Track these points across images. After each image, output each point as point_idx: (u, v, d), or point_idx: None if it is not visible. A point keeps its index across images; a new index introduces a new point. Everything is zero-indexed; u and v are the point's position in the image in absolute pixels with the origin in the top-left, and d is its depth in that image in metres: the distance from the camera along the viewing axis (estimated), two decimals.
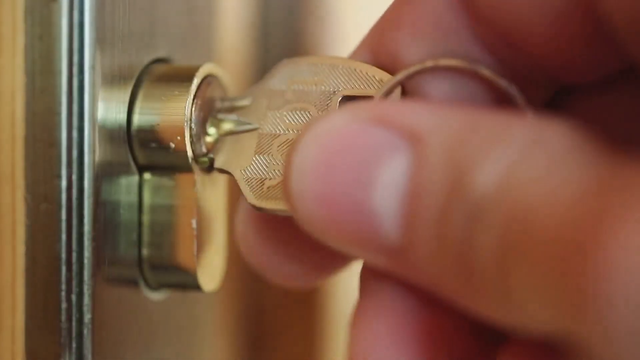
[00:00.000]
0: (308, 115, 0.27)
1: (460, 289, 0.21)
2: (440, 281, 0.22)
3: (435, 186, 0.21)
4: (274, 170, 0.27)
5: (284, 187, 0.23)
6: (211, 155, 0.28)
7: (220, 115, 0.28)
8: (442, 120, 0.22)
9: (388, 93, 0.26)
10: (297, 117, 0.27)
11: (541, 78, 0.25)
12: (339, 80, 0.27)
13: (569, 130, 0.21)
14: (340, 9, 0.51)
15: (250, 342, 0.50)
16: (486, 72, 0.24)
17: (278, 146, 0.27)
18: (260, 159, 0.27)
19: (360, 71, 0.26)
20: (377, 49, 0.26)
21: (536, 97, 0.25)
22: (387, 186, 0.22)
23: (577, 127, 0.21)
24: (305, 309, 0.52)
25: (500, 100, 0.25)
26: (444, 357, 0.24)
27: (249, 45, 0.47)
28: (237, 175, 0.27)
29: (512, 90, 0.25)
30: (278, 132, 0.27)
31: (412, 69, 0.25)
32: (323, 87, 0.27)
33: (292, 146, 0.23)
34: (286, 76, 0.27)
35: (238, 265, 0.48)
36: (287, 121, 0.27)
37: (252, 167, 0.27)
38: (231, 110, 0.28)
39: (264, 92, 0.28)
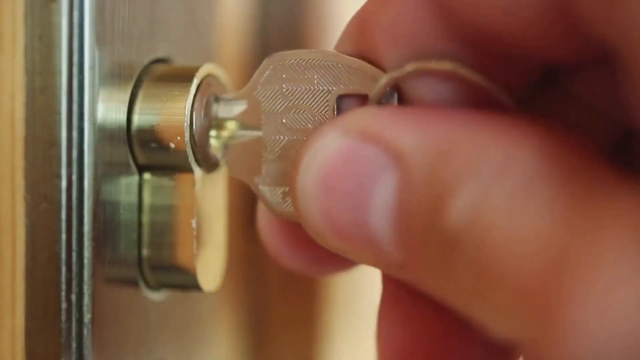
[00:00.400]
0: (307, 116, 0.27)
1: (445, 296, 0.23)
2: (442, 292, 0.23)
3: (419, 208, 0.22)
4: (283, 175, 0.27)
5: (294, 207, 0.25)
6: (217, 157, 0.28)
7: (221, 114, 0.28)
8: (423, 139, 0.23)
9: (379, 96, 0.26)
10: (298, 119, 0.27)
11: (522, 64, 0.25)
12: (330, 78, 0.27)
13: (539, 150, 0.22)
14: (340, 9, 0.51)
15: (250, 342, 0.50)
16: (467, 73, 0.25)
17: (285, 151, 0.27)
18: (271, 166, 0.27)
19: (350, 67, 0.26)
20: (360, 45, 0.26)
21: (524, 81, 0.26)
22: (380, 206, 0.23)
23: (548, 143, 0.22)
24: (306, 308, 0.52)
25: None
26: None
27: (249, 45, 0.47)
28: (252, 185, 0.28)
29: (494, 88, 0.25)
30: (282, 137, 0.27)
31: (395, 73, 0.25)
32: (316, 86, 0.27)
33: (293, 165, 0.24)
34: (276, 75, 0.27)
35: (238, 265, 0.48)
36: (288, 125, 0.27)
37: (264, 175, 0.27)
38: (230, 113, 0.28)
39: (257, 93, 0.27)
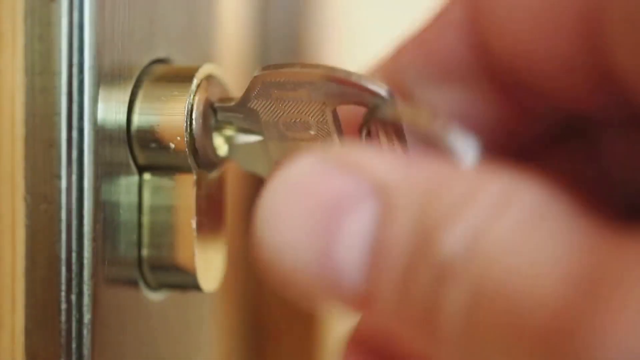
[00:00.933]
0: (306, 124, 0.27)
1: (423, 342, 0.21)
2: (403, 332, 0.21)
3: (401, 244, 0.21)
4: None
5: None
6: (218, 157, 0.28)
7: (220, 117, 0.28)
8: (412, 175, 0.21)
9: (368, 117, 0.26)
10: (297, 127, 0.27)
11: (547, 115, 0.25)
12: (321, 94, 0.27)
13: (540, 190, 0.20)
14: (340, 9, 0.51)
15: (250, 342, 0.50)
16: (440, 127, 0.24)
17: (289, 155, 0.27)
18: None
19: (339, 81, 0.26)
20: (391, 81, 0.26)
21: (541, 133, 0.25)
22: (352, 236, 0.21)
23: (549, 187, 0.21)
24: (305, 308, 0.52)
25: (508, 121, 0.25)
26: None
27: (249, 45, 0.47)
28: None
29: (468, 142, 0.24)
30: (284, 144, 0.27)
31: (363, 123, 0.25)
32: (308, 101, 0.27)
33: (261, 192, 0.22)
34: (267, 91, 0.27)
35: (238, 265, 0.48)
36: (289, 133, 0.27)
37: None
38: (228, 118, 0.28)
39: (251, 104, 0.27)
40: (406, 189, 0.21)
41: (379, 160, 0.22)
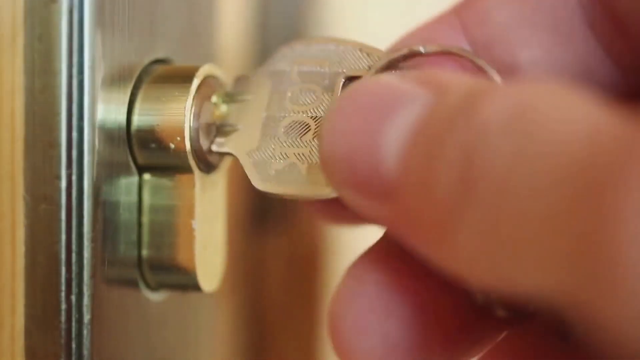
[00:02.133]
0: (313, 96, 0.27)
1: (440, 240, 0.21)
2: (423, 230, 0.22)
3: (442, 120, 0.21)
4: (281, 153, 0.27)
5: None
6: (217, 159, 0.28)
7: (214, 99, 0.28)
8: (460, 79, 0.23)
9: (387, 65, 0.26)
10: (303, 98, 0.27)
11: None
12: (345, 62, 0.27)
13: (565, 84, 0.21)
14: (340, 10, 0.51)
15: (250, 342, 0.50)
16: (460, 51, 0.25)
17: (285, 128, 0.27)
18: (267, 141, 0.27)
19: (366, 53, 0.27)
20: (465, 11, 0.26)
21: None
22: (398, 127, 0.22)
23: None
24: (305, 309, 0.52)
25: None
26: (434, 328, 0.24)
27: (249, 46, 0.47)
28: (243, 158, 0.28)
29: (487, 67, 0.25)
30: (284, 114, 0.27)
31: (392, 55, 0.26)
32: (328, 69, 0.27)
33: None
34: (291, 57, 0.27)
35: (238, 265, 0.48)
36: (292, 103, 0.27)
37: (258, 150, 0.28)
38: (232, 100, 0.28)
39: (268, 75, 0.28)
40: (455, 87, 0.22)
41: (437, 72, 0.23)
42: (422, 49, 0.25)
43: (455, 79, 0.23)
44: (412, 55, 0.26)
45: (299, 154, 0.27)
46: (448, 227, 0.20)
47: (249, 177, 0.27)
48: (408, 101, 0.23)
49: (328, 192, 0.26)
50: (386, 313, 0.24)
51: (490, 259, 0.20)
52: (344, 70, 0.27)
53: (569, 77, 0.25)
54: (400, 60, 0.26)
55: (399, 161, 0.22)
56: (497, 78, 0.25)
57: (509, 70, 0.25)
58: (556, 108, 0.20)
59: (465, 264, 0.20)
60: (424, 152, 0.22)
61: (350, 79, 0.27)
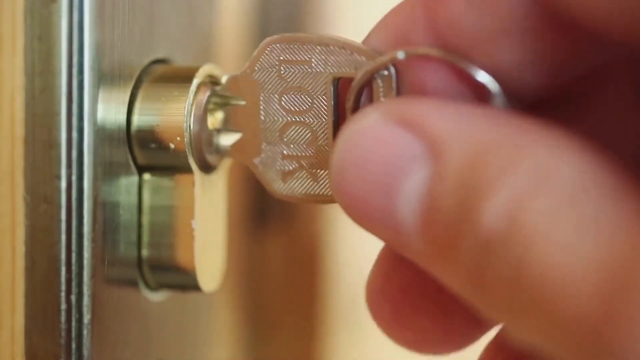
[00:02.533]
0: (307, 99, 0.27)
1: (463, 288, 0.22)
2: (456, 283, 0.23)
3: (448, 203, 0.22)
4: (288, 160, 0.27)
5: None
6: (220, 156, 0.28)
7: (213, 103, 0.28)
8: (462, 132, 0.22)
9: (368, 76, 0.26)
10: (296, 102, 0.27)
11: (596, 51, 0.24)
12: (332, 62, 0.27)
13: (582, 157, 0.21)
14: (340, 10, 0.51)
15: (250, 342, 0.50)
16: (455, 59, 0.25)
17: (285, 133, 0.27)
18: (271, 149, 0.27)
19: (353, 53, 0.27)
20: (432, 11, 0.26)
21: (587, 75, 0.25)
22: (409, 193, 0.23)
23: (589, 153, 0.21)
24: (305, 308, 0.52)
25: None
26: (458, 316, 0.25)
27: (249, 46, 0.47)
28: (253, 167, 0.28)
29: (493, 86, 0.25)
30: (281, 119, 0.27)
31: (385, 57, 0.25)
32: (314, 68, 0.27)
33: (332, 147, 0.25)
34: (274, 56, 0.27)
35: (238, 265, 0.48)
36: (287, 107, 0.27)
37: (266, 158, 0.28)
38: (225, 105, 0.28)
39: (256, 74, 0.28)
40: (457, 147, 0.22)
41: (435, 116, 0.23)
42: (401, 56, 0.25)
43: (446, 133, 0.23)
44: (393, 62, 0.26)
45: (306, 160, 0.27)
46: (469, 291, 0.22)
47: (264, 185, 0.28)
48: (411, 164, 0.23)
49: None
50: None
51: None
52: (331, 71, 0.27)
53: (544, 79, 0.25)
54: (382, 68, 0.26)
55: (419, 232, 0.23)
56: (482, 77, 0.25)
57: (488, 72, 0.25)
58: (551, 219, 0.20)
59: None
60: (439, 236, 0.22)
61: (338, 80, 0.27)
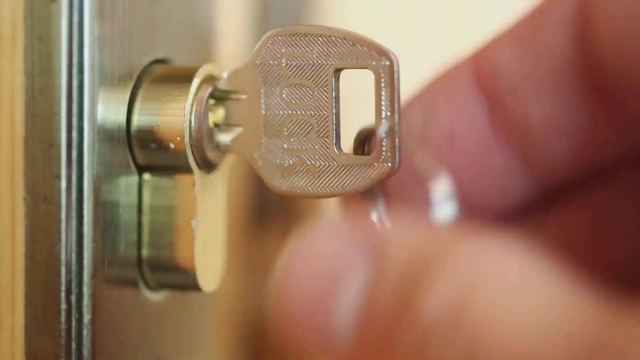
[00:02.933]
0: (308, 92, 0.27)
1: None
2: None
3: (387, 303, 0.21)
4: (289, 153, 0.27)
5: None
6: (221, 155, 0.29)
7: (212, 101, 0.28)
8: (401, 240, 0.22)
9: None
10: (297, 95, 0.27)
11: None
12: (334, 53, 0.27)
13: (526, 252, 0.20)
14: (341, 10, 0.51)
15: (250, 342, 0.50)
16: (418, 159, 0.25)
17: (285, 127, 0.27)
18: (272, 143, 0.28)
19: (354, 43, 0.27)
20: (480, 62, 0.26)
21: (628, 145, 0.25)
22: (347, 301, 0.22)
23: (530, 251, 0.20)
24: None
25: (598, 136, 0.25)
26: None
27: (249, 45, 0.47)
28: (253, 161, 0.28)
29: (442, 185, 0.25)
30: (282, 113, 0.28)
31: (362, 134, 0.26)
32: (316, 60, 0.27)
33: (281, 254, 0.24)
34: (278, 48, 0.27)
35: (238, 265, 0.48)
36: (288, 100, 0.27)
37: (266, 152, 0.28)
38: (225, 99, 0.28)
39: (256, 68, 0.28)
40: (394, 255, 0.22)
41: (374, 228, 0.23)
42: (382, 135, 0.26)
43: (391, 239, 0.22)
44: (370, 136, 0.26)
45: (306, 154, 0.27)
46: None
47: (264, 180, 0.28)
48: (350, 275, 0.22)
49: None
50: None
51: None
52: (333, 63, 0.27)
53: (577, 140, 0.24)
54: (367, 140, 0.26)
55: (352, 340, 0.22)
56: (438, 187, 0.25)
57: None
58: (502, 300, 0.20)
59: None
60: (373, 343, 0.22)
61: (339, 70, 0.27)
